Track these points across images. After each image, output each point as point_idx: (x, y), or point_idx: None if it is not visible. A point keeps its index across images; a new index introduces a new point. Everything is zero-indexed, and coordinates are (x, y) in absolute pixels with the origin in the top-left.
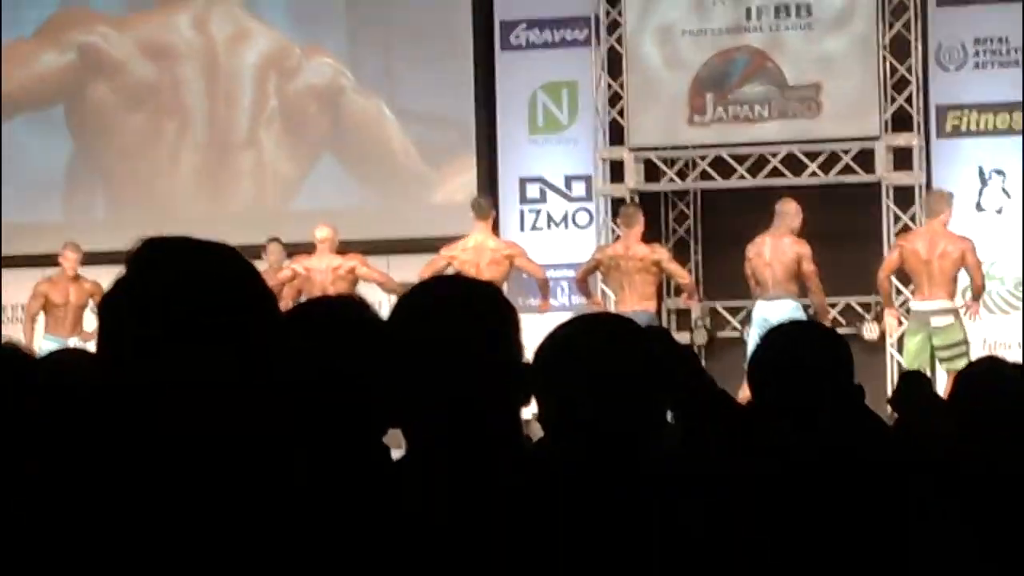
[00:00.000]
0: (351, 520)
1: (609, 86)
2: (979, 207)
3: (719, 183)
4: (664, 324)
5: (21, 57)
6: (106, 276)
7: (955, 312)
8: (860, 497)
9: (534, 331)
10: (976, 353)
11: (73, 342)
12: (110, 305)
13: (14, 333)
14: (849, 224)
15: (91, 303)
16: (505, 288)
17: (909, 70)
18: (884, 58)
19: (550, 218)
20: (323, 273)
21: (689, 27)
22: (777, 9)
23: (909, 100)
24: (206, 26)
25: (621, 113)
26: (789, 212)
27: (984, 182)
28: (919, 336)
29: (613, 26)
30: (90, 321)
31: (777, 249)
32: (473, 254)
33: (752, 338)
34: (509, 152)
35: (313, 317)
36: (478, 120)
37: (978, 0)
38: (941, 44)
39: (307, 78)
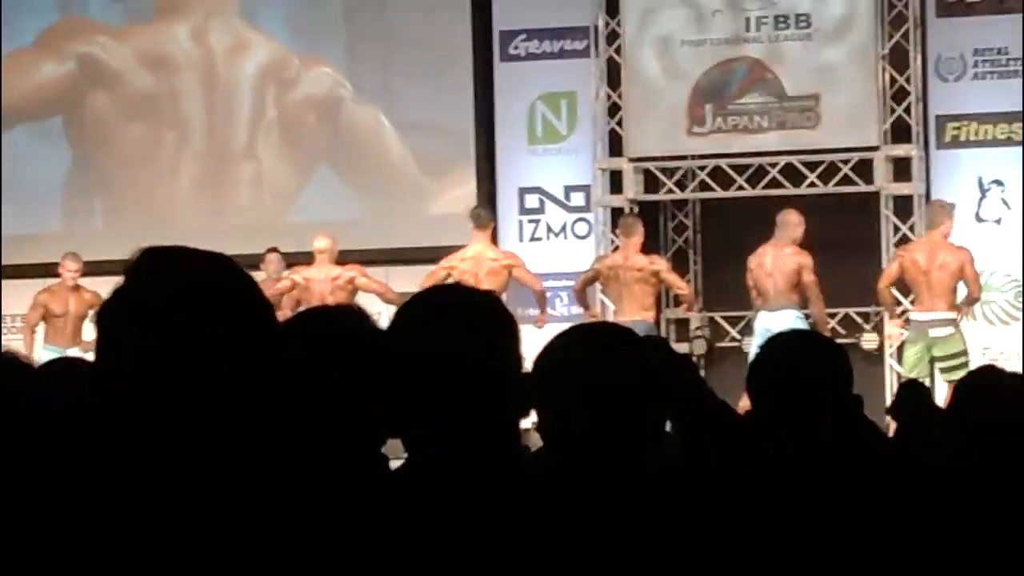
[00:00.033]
0: (350, 528)
1: (608, 96)
2: (978, 218)
3: (718, 193)
4: (663, 334)
5: (21, 67)
6: (105, 286)
7: (955, 323)
8: (859, 507)
9: (533, 341)
10: (976, 363)
11: (73, 352)
12: (108, 314)
13: (14, 343)
14: (848, 234)
15: (91, 313)
16: (504, 298)
17: (908, 80)
18: (883, 69)
19: (549, 228)
20: (322, 283)
21: (688, 37)
22: (776, 20)
23: (908, 110)
24: (205, 37)
25: (620, 123)
26: (791, 222)
27: (983, 192)
28: (918, 346)
29: (612, 37)
30: (90, 331)
31: (778, 259)
32: (472, 264)
33: (754, 349)
34: (508, 162)
35: (312, 327)
36: (477, 130)
37: (977, 11)
38: (940, 55)
39: (305, 89)
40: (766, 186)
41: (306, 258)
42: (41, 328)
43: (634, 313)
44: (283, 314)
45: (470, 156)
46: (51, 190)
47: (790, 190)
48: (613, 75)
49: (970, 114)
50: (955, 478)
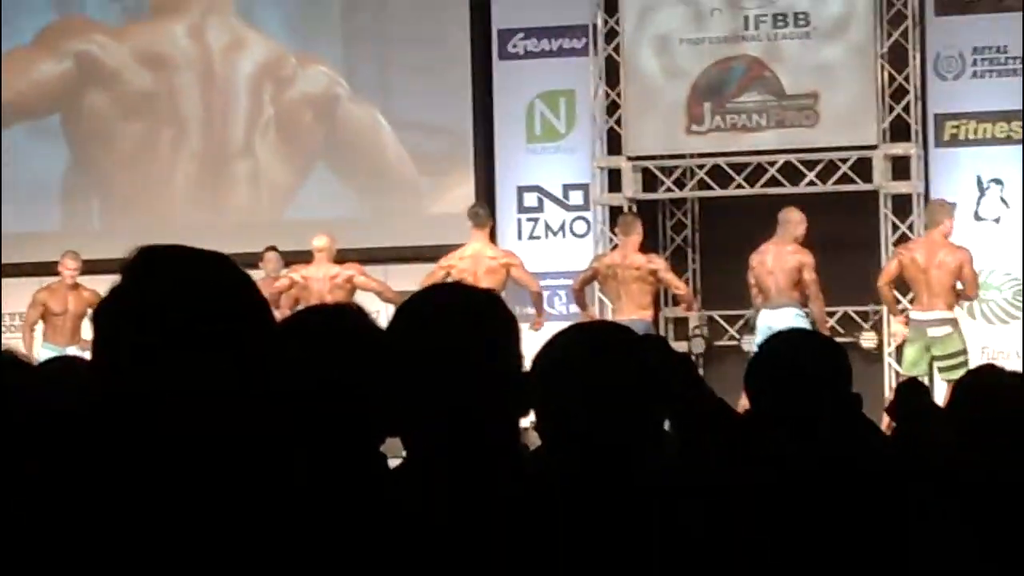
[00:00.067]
0: (349, 528)
1: (607, 95)
2: (977, 216)
3: (717, 192)
4: (661, 333)
5: (19, 65)
6: (104, 285)
7: (953, 322)
8: (859, 506)
9: (532, 341)
10: (975, 362)
11: (72, 351)
12: (105, 313)
13: (13, 342)
14: (847, 233)
15: (90, 312)
16: (503, 297)
17: (907, 79)
18: (882, 67)
19: (548, 227)
20: (321, 282)
21: (687, 36)
22: (775, 18)
23: (907, 109)
24: (202, 36)
25: (619, 122)
26: (792, 220)
27: (982, 191)
28: (917, 345)
29: (611, 35)
30: (89, 330)
31: (780, 257)
32: (471, 263)
33: (756, 348)
34: (506, 161)
35: (310, 326)
36: (475, 129)
37: (976, 9)
38: (939, 53)
39: (302, 87)
40: (765, 185)
41: (303, 256)
42: (40, 326)
43: (632, 312)
44: (281, 313)
45: (468, 154)
46: (50, 188)
47: (789, 189)
48: (612, 73)
49: (969, 112)
50: (955, 478)
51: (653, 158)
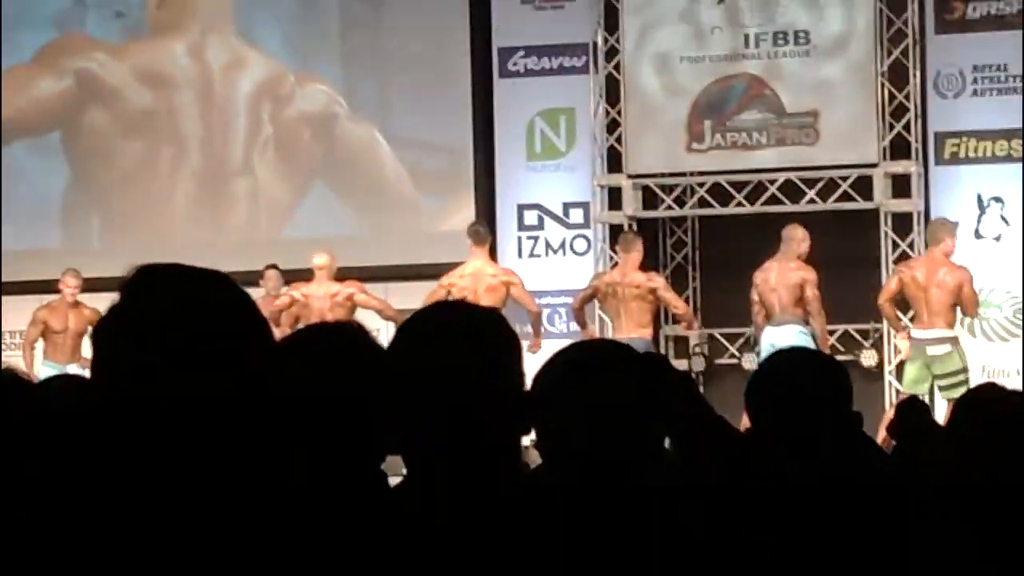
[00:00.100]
0: (348, 544)
1: (607, 113)
2: (977, 234)
3: (717, 210)
4: (662, 351)
5: (19, 83)
6: (104, 303)
7: (953, 340)
8: (859, 524)
9: (529, 362)
10: (976, 381)
11: (72, 369)
12: (105, 331)
13: (13, 360)
14: (847, 251)
15: (90, 330)
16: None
17: (907, 97)
18: (882, 85)
19: (548, 245)
20: (321, 300)
21: (687, 54)
22: (775, 36)
23: (907, 127)
24: (202, 54)
25: (619, 140)
26: (795, 238)
27: (983, 209)
28: (918, 363)
29: (611, 53)
30: (89, 348)
31: (783, 274)
32: (471, 280)
33: None
34: (507, 179)
35: (311, 344)
36: (476, 147)
37: (976, 28)
38: (939, 71)
39: (301, 105)
40: (765, 203)
41: (302, 274)
42: (40, 344)
43: (631, 330)
44: (282, 331)
45: (469, 172)
46: (50, 206)
47: (789, 207)
48: (612, 92)
49: (969, 131)
50: (955, 496)
51: (653, 176)
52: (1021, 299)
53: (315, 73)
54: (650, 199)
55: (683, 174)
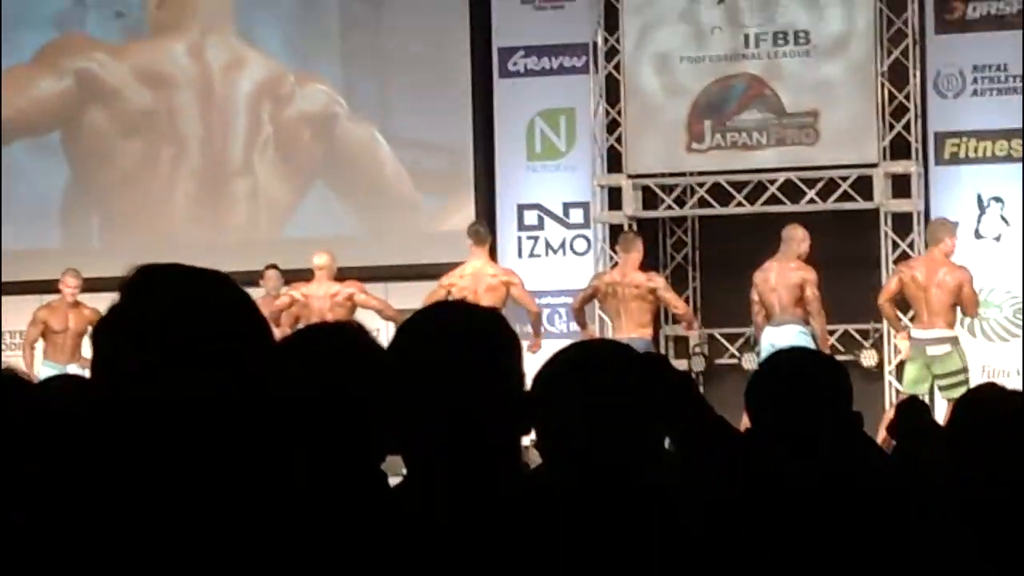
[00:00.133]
0: (348, 544)
1: (607, 113)
2: (977, 234)
3: (717, 210)
4: (662, 351)
5: (19, 82)
6: (104, 303)
7: (953, 340)
8: (859, 524)
9: (529, 363)
10: (976, 381)
11: (72, 369)
12: (104, 331)
13: (13, 360)
14: (847, 251)
15: (90, 330)
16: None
17: (907, 97)
18: (882, 85)
19: (548, 245)
20: (321, 300)
21: (687, 54)
22: (775, 36)
23: (907, 127)
24: (202, 54)
25: (619, 140)
26: (795, 238)
27: (982, 209)
28: (918, 363)
29: (611, 53)
30: (89, 348)
31: (783, 274)
32: (471, 280)
33: None
34: (507, 179)
35: (311, 344)
36: (476, 147)
37: (976, 28)
38: (939, 71)
39: (301, 105)
40: (765, 203)
41: (302, 274)
42: (40, 344)
43: (631, 330)
44: (282, 331)
45: (469, 172)
46: (50, 206)
47: (789, 207)
48: (612, 91)
49: (969, 131)
50: (955, 496)
51: (653, 176)
52: (1021, 299)
53: (315, 73)
54: (650, 199)
55: (683, 174)
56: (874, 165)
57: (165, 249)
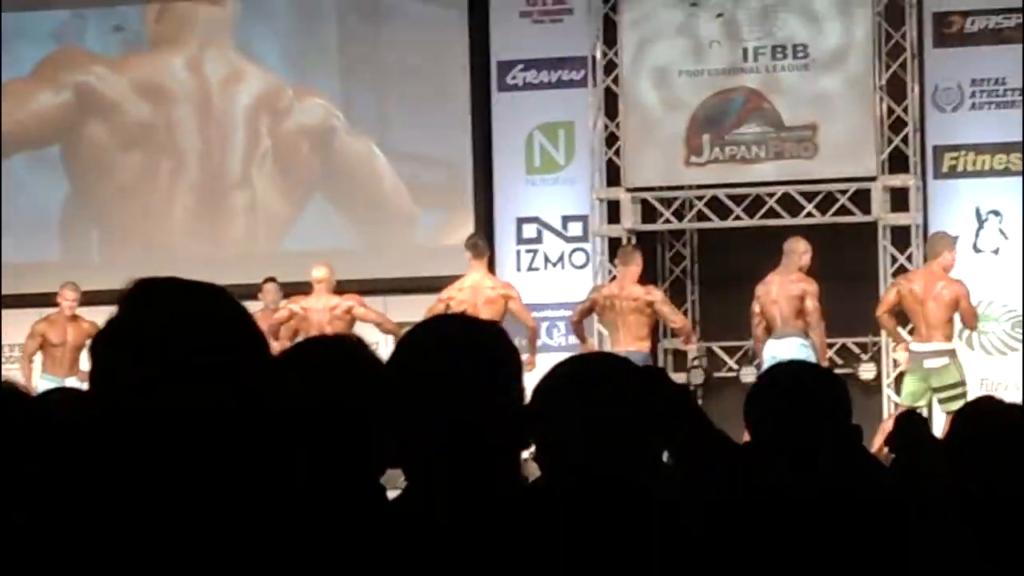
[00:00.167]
0: (347, 556)
1: (606, 127)
2: (976, 248)
3: (716, 223)
4: (660, 364)
5: (18, 96)
6: (102, 316)
7: (951, 353)
8: (859, 538)
9: (529, 374)
10: (974, 394)
11: (70, 382)
12: (103, 344)
13: (11, 373)
14: (845, 265)
15: (88, 343)
16: None
17: (906, 111)
18: (881, 99)
19: (547, 258)
20: (320, 313)
21: (686, 68)
22: (774, 50)
23: (906, 141)
24: (200, 68)
25: (618, 153)
26: (797, 250)
27: (981, 223)
28: (916, 376)
29: (610, 67)
30: (87, 361)
31: (784, 287)
32: (470, 293)
33: None
34: (506, 192)
35: (310, 357)
36: (475, 160)
37: (975, 41)
38: (938, 85)
39: (299, 119)
40: (764, 216)
41: (301, 287)
42: (39, 357)
43: (629, 343)
44: (281, 344)
45: (467, 186)
46: (49, 219)
47: (788, 220)
48: (611, 105)
49: (968, 144)
50: (953, 508)
51: (652, 189)
52: (1020, 312)
53: (313, 87)
54: (649, 212)
55: (682, 187)
56: (873, 179)
57: (164, 262)
